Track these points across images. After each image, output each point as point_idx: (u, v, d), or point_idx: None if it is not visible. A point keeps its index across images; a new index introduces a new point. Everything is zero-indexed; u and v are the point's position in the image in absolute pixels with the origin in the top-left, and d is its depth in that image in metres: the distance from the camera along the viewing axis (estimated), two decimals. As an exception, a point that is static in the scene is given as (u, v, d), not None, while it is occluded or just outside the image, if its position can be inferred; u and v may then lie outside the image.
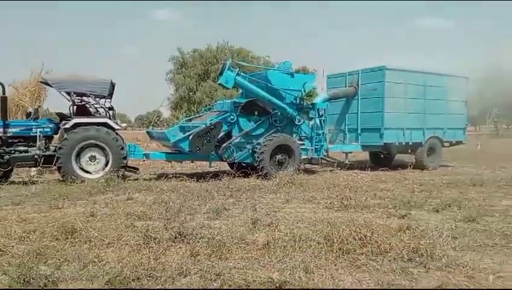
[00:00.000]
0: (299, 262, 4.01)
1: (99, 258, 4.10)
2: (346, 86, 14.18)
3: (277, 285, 3.64)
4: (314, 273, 3.82)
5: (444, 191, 8.71)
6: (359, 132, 13.75)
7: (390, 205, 7.08)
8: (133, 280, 3.65)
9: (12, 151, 9.37)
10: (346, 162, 13.48)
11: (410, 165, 13.13)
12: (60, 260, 4.09)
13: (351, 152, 14.15)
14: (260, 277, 3.79)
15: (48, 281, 3.63)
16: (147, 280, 3.68)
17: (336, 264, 4.09)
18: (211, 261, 4.12)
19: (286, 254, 4.29)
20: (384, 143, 13.16)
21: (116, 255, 4.21)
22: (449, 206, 7.06)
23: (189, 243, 4.63)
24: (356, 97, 13.85)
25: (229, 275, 3.76)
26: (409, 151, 14.21)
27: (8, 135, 9.46)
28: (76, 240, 4.65)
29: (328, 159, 13.05)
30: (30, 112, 10.74)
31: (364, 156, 16.28)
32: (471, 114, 22.10)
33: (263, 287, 3.60)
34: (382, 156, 14.79)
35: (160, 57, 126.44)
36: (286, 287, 3.61)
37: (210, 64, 41.82)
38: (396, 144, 13.42)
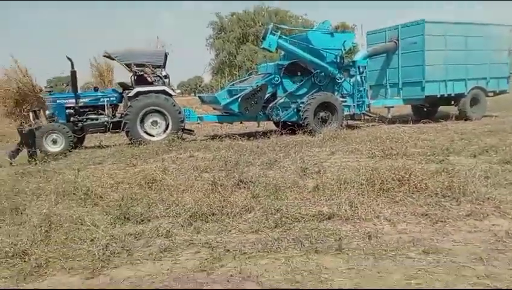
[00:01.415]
0: (345, 199, 4.73)
1: (179, 201, 4.99)
2: (386, 42, 14.32)
3: (326, 216, 4.42)
4: (358, 207, 4.52)
5: (484, 139, 9.02)
6: (400, 86, 13.99)
7: (429, 152, 7.57)
8: (210, 215, 4.54)
9: (84, 120, 10.59)
10: (389, 116, 13.85)
11: (451, 117, 13.28)
12: (148, 202, 5.04)
13: (393, 106, 14.44)
14: (312, 211, 4.59)
15: (144, 217, 4.59)
16: (221, 214, 4.56)
17: (376, 200, 4.79)
18: (270, 200, 4.92)
19: (333, 194, 5.03)
20: (426, 96, 13.40)
21: (192, 198, 5.07)
22: (486, 151, 7.48)
23: (249, 188, 5.45)
24: (396, 52, 14.01)
25: (286, 210, 4.54)
26: (452, 102, 14.33)
27: (80, 105, 10.63)
28: (158, 188, 5.61)
29: (370, 115, 13.46)
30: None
31: (408, 110, 16.47)
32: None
33: (315, 218, 4.37)
34: (425, 109, 15.00)
35: (196, 23, 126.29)
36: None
37: (248, 27, 41.91)
38: (438, 96, 13.59)
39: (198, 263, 3.44)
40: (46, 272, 3.39)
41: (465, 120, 13.58)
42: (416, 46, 13.34)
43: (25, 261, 3.52)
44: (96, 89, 11.71)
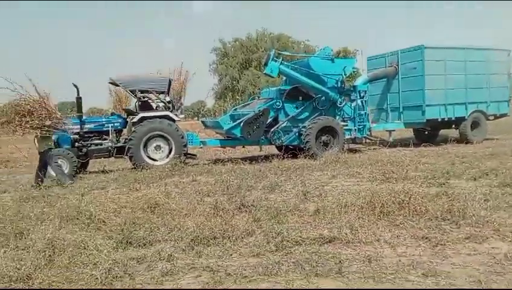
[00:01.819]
0: (345, 222, 4.77)
1: (181, 225, 5.03)
2: (386, 67, 14.55)
3: (327, 240, 4.45)
4: (358, 231, 4.55)
5: (484, 162, 9.06)
6: (401, 110, 14.15)
7: (429, 176, 7.60)
8: (211, 239, 4.58)
9: (89, 145, 10.72)
10: (390, 140, 13.94)
11: (451, 140, 13.33)
12: (150, 227, 5.08)
13: (394, 130, 14.56)
14: (313, 234, 4.62)
15: (146, 241, 4.64)
16: (222, 238, 4.60)
17: (377, 224, 4.82)
18: (271, 224, 4.96)
19: (334, 217, 5.07)
20: (427, 119, 13.52)
21: (194, 222, 5.12)
22: (487, 174, 7.52)
23: (251, 212, 5.52)
24: (397, 77, 14.22)
25: (287, 233, 4.57)
26: (453, 126, 14.44)
27: (85, 130, 10.79)
28: (160, 212, 5.66)
29: (371, 138, 13.56)
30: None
31: (409, 133, 16.57)
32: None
33: (315, 242, 4.40)
34: (426, 132, 15.11)
35: (199, 48, 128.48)
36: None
37: (251, 52, 42.65)
38: (439, 119, 13.71)
39: (199, 287, 3.48)
40: (49, 297, 3.43)
41: (466, 143, 13.66)
42: (416, 71, 13.55)
43: (28, 285, 3.57)
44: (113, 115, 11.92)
